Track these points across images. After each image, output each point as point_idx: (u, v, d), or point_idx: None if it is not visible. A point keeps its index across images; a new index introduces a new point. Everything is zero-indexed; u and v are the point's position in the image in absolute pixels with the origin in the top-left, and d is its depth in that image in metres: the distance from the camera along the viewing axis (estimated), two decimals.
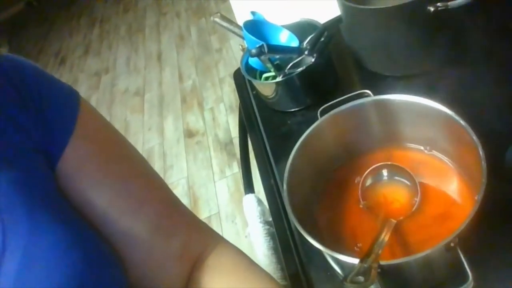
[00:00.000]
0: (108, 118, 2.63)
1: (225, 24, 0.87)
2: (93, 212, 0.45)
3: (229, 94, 2.48)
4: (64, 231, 0.40)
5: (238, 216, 1.83)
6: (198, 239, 0.54)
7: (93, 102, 3.06)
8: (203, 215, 1.91)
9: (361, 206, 0.56)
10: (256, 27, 0.82)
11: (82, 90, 3.27)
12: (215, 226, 1.83)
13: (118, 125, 2.69)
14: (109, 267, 0.44)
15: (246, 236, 1.84)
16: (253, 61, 0.81)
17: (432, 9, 0.60)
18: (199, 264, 0.52)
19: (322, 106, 0.62)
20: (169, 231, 0.51)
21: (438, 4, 0.60)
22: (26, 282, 0.36)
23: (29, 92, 0.42)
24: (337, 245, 0.55)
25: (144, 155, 2.38)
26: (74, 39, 4.12)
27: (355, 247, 0.53)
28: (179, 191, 2.08)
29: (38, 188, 0.40)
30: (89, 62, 3.60)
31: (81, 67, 3.60)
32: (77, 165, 0.44)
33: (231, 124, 2.28)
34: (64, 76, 3.60)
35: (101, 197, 0.46)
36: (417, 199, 0.53)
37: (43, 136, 0.42)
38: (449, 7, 0.60)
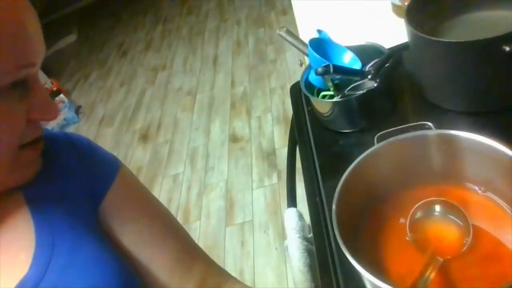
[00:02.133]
0: (159, 113, 2.74)
1: (289, 38, 0.88)
2: (121, 242, 0.55)
3: (278, 105, 2.51)
4: (101, 249, 0.51)
5: (271, 227, 1.83)
6: (215, 274, 0.63)
7: (147, 95, 3.20)
8: (237, 221, 1.93)
9: (407, 238, 0.55)
10: (320, 45, 0.83)
11: (139, 83, 3.42)
12: (247, 234, 1.85)
13: (168, 121, 2.79)
14: (135, 283, 0.53)
15: (276, 249, 1.84)
16: (313, 78, 0.82)
17: (507, 49, 0.59)
18: None
19: (376, 131, 0.62)
20: (188, 265, 0.59)
21: None
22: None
23: (83, 152, 0.57)
24: (378, 273, 0.54)
25: (189, 153, 2.45)
26: (138, 34, 4.33)
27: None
28: (217, 193, 2.12)
29: (83, 218, 0.52)
30: (149, 58, 3.76)
31: (141, 61, 3.77)
32: (114, 206, 0.56)
33: (276, 135, 2.30)
34: (124, 67, 3.79)
35: (130, 230, 0.56)
36: (468, 240, 0.52)
37: (90, 183, 0.55)
38: None
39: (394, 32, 0.90)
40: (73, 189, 0.53)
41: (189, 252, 0.62)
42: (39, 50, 0.43)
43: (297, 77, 0.87)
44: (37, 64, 0.43)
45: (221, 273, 0.65)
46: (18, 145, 0.45)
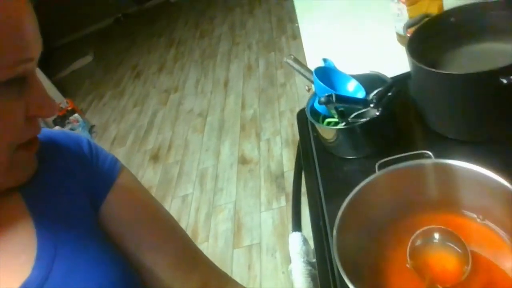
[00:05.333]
0: (170, 134, 2.77)
1: (296, 66, 0.92)
2: (122, 244, 0.55)
3: (287, 128, 2.54)
4: (103, 250, 0.51)
5: (279, 250, 1.83)
6: (216, 276, 0.63)
7: (159, 117, 3.26)
8: (244, 243, 1.93)
9: (407, 265, 0.56)
10: (326, 73, 0.86)
11: (151, 104, 3.49)
12: (254, 256, 1.85)
13: (179, 142, 2.83)
14: (137, 285, 0.53)
15: (283, 272, 1.82)
16: (319, 106, 0.85)
17: (505, 81, 0.60)
18: None
19: (380, 158, 0.64)
20: (190, 267, 0.60)
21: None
22: None
23: (83, 153, 0.56)
24: None
25: (198, 174, 2.47)
26: (152, 56, 4.45)
27: None
28: (225, 214, 2.13)
29: (84, 219, 0.52)
30: (162, 79, 3.85)
31: (154, 82, 3.86)
32: (114, 208, 0.55)
33: (285, 158, 2.32)
34: (137, 88, 3.88)
35: (130, 232, 0.56)
36: (468, 269, 0.52)
37: (91, 184, 0.55)
38: None
39: (399, 61, 0.93)
40: (73, 189, 0.52)
41: (190, 254, 0.62)
42: (37, 45, 0.43)
43: (306, 101, 0.90)
44: (34, 59, 0.43)
45: (222, 276, 0.65)
46: (17, 144, 0.44)
